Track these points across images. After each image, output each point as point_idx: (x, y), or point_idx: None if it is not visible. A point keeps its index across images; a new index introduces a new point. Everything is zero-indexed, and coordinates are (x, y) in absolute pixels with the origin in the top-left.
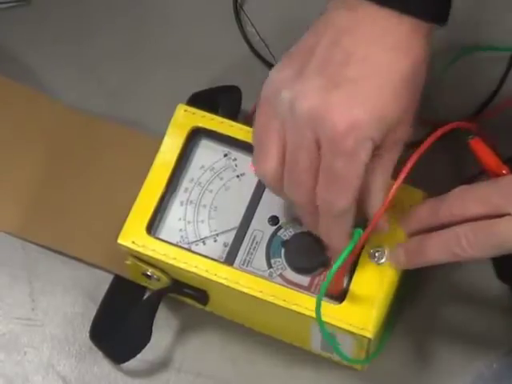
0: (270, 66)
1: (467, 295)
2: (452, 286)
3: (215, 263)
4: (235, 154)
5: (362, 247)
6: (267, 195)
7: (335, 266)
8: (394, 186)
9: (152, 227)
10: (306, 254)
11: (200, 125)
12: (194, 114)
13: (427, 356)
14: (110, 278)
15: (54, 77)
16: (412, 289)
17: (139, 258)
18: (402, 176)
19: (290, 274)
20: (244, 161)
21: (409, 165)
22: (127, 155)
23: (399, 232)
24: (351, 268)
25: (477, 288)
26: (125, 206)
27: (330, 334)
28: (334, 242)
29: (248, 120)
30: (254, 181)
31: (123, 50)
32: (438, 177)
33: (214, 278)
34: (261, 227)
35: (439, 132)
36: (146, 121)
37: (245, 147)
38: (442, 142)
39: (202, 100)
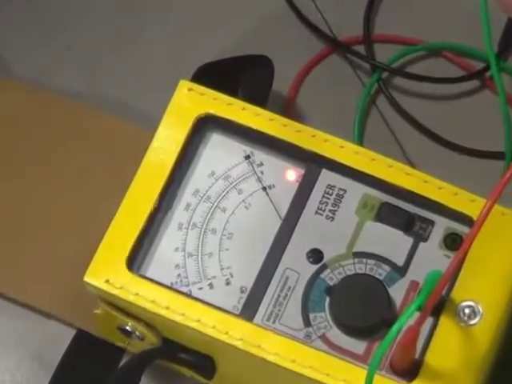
0: (306, 22)
1: None
2: None
3: (227, 316)
4: (261, 155)
5: (444, 300)
6: (307, 217)
7: (396, 326)
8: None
9: (135, 260)
10: (361, 306)
11: (211, 111)
12: (202, 95)
13: None
14: (68, 334)
15: (17, 46)
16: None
17: (115, 304)
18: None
19: (338, 337)
20: (274, 166)
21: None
22: (106, 152)
23: (496, 276)
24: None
25: None
26: (98, 227)
27: None
28: None
29: (286, 106)
30: (289, 196)
31: (112, 9)
32: None
33: (225, 339)
34: (296, 266)
35: None
36: (134, 104)
37: (275, 146)
38: None
39: (215, 75)
